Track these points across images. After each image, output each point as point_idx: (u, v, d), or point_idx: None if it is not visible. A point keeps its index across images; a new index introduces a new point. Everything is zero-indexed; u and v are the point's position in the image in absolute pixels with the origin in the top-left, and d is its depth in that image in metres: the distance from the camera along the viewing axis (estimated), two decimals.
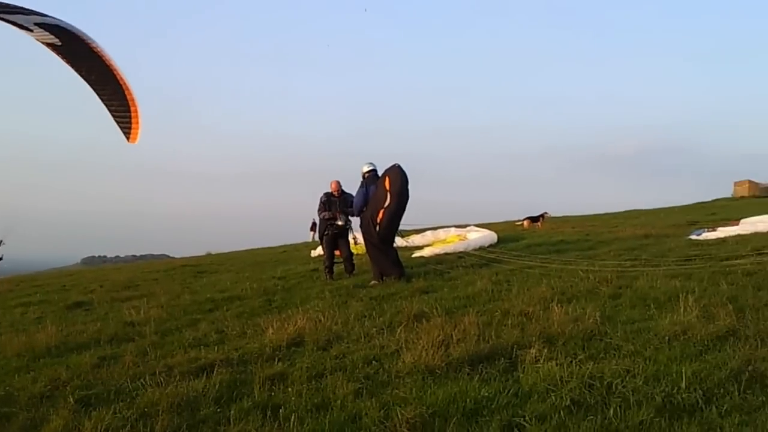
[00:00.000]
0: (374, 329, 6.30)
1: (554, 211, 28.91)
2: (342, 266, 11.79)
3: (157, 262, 30.06)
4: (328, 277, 11.31)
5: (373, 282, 9.95)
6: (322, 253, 12.54)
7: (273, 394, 4.59)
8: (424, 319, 6.47)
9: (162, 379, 5.11)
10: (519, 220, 26.02)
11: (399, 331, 5.98)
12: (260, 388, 4.68)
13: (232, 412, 4.23)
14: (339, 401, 4.24)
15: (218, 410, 4.35)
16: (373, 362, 5.12)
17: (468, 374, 4.55)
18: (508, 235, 18.78)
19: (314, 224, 37.50)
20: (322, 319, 6.72)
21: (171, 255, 52.78)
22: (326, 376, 4.82)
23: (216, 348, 6.13)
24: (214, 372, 5.16)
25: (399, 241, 12.22)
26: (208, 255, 25.10)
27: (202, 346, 6.21)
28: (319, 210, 11.58)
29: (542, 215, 25.24)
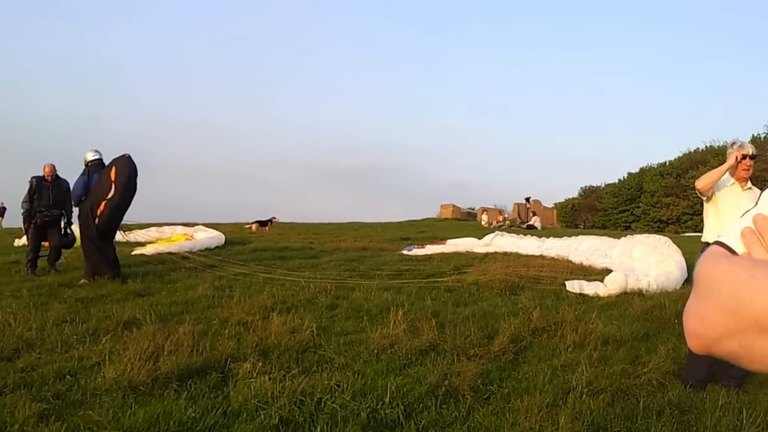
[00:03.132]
0: (75, 337, 5.60)
1: (282, 217, 29.61)
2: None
3: None
4: (30, 272, 10.08)
5: (82, 281, 9.09)
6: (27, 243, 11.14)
7: None
8: (135, 326, 5.93)
9: None
10: (248, 223, 25.98)
11: (104, 340, 5.40)
12: None
13: None
14: (17, 426, 3.58)
15: None
16: (68, 377, 4.48)
17: (176, 391, 4.20)
18: (236, 237, 18.56)
19: (3, 209, 33.22)
20: (13, 323, 5.85)
21: None
22: (6, 394, 4.10)
23: None
24: None
25: (119, 236, 11.41)
26: None
27: None
28: (25, 198, 10.31)
29: (270, 220, 25.58)
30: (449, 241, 16.42)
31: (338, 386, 4.27)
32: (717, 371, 4.82)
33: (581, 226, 52.23)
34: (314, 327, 5.83)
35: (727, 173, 5.02)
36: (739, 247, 0.69)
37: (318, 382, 4.33)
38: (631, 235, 14.24)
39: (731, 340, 0.60)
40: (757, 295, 0.57)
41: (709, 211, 5.08)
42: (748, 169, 4.98)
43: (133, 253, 13.13)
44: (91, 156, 9.76)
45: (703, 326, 0.63)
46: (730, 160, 4.97)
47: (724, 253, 0.68)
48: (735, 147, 5.04)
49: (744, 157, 4.95)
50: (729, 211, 4.88)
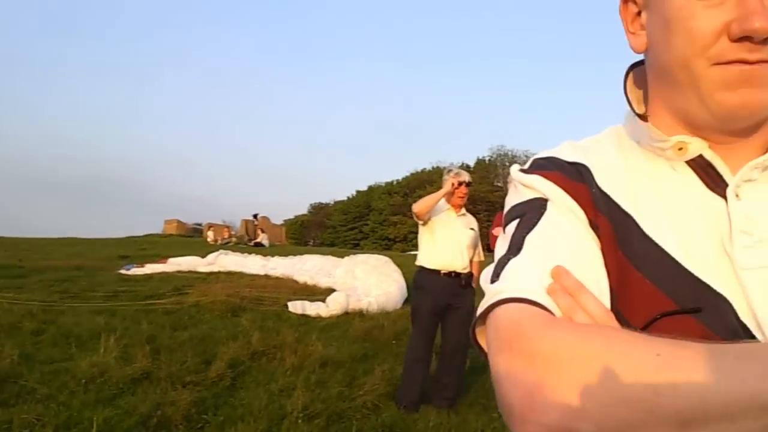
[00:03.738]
0: None
1: None
2: None
3: None
4: None
5: None
6: None
7: None
8: None
9: None
10: None
11: None
12: None
13: None
14: None
15: None
16: None
17: None
18: None
19: None
20: None
21: None
22: None
23: None
24: None
25: None
26: None
27: None
28: None
29: None
30: (171, 260, 15.87)
31: (39, 420, 4.00)
32: (430, 392, 5.04)
33: (311, 243, 53.69)
34: (16, 355, 5.36)
35: (443, 199, 5.14)
36: (553, 307, 0.62)
37: (16, 415, 4.01)
38: (358, 253, 14.59)
39: None
40: (680, 382, 0.50)
41: (424, 235, 5.14)
42: (464, 197, 5.19)
43: None
44: None
45: (580, 420, 0.53)
46: (447, 187, 5.07)
47: (555, 320, 0.61)
48: (451, 174, 5.17)
49: (460, 184, 5.07)
50: (444, 235, 5.06)
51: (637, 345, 0.54)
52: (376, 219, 60.56)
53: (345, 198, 69.76)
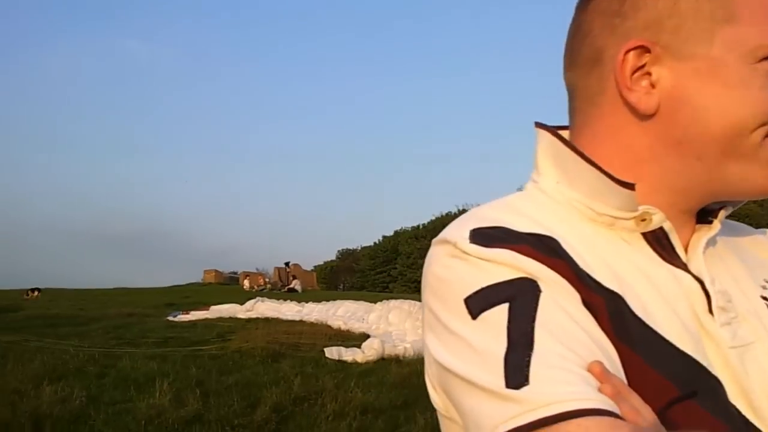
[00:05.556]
0: None
1: (54, 284, 31.44)
2: None
3: None
4: None
5: None
6: None
7: None
8: None
9: None
10: (27, 291, 26.05)
11: None
12: None
13: None
14: None
15: None
16: None
17: None
18: (9, 304, 17.78)
19: None
20: None
21: None
22: None
23: None
24: None
25: None
26: None
27: None
28: None
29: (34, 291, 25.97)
30: (213, 307, 16.45)
31: None
32: None
33: (341, 288, 53.69)
34: (84, 396, 5.90)
35: None
36: (618, 413, 0.52)
37: None
38: (388, 299, 14.23)
39: None
40: None
41: None
42: None
43: None
44: None
45: None
46: None
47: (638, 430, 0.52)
48: None
49: None
50: None
51: None
52: (404, 263, 60.29)
53: (371, 243, 69.92)
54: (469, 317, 0.60)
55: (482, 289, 0.61)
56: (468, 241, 0.64)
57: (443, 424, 0.70)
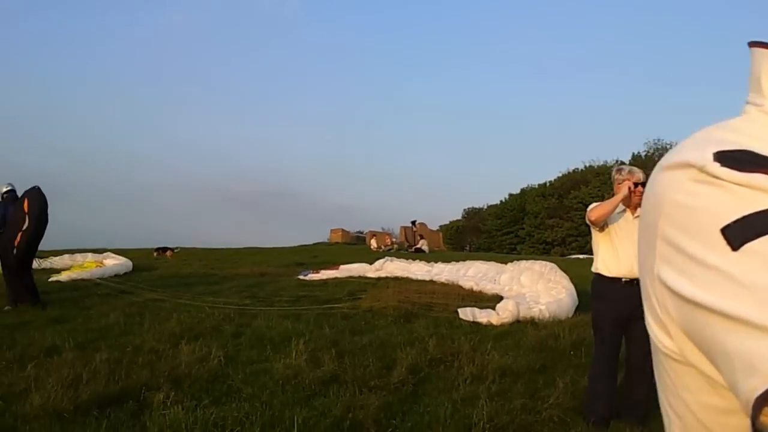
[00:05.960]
0: (3, 363, 5.68)
1: (184, 243, 31.83)
2: None
3: None
4: None
5: (7, 308, 9.39)
6: None
7: None
8: (55, 353, 6.04)
9: None
10: (155, 250, 26.77)
11: (29, 367, 5.43)
12: None
13: None
14: None
15: None
16: (0, 403, 4.59)
17: (96, 419, 4.29)
18: (142, 263, 18.68)
19: None
20: None
21: None
22: None
23: None
24: None
25: (35, 263, 11.68)
26: None
27: None
28: None
29: (168, 250, 26.82)
30: (342, 267, 16.69)
31: (247, 418, 4.38)
32: (619, 407, 4.73)
33: (467, 249, 53.29)
34: (221, 356, 5.94)
35: None
36: None
37: (228, 413, 4.42)
38: (518, 260, 13.94)
39: None
40: None
41: (601, 241, 4.76)
42: (641, 196, 4.77)
43: (50, 280, 13.27)
44: (4, 188, 10.25)
45: None
46: (624, 191, 4.62)
47: None
48: (624, 174, 4.71)
49: (636, 185, 4.62)
50: (623, 240, 4.69)
51: None
52: (532, 223, 58.87)
53: (498, 202, 68.62)
54: (728, 248, 0.54)
55: (743, 218, 0.54)
56: (718, 164, 0.58)
57: (671, 370, 0.63)
